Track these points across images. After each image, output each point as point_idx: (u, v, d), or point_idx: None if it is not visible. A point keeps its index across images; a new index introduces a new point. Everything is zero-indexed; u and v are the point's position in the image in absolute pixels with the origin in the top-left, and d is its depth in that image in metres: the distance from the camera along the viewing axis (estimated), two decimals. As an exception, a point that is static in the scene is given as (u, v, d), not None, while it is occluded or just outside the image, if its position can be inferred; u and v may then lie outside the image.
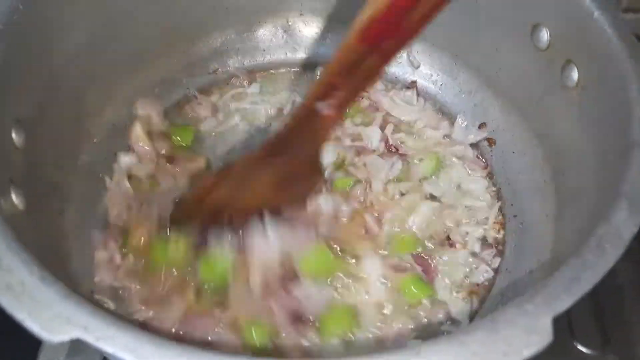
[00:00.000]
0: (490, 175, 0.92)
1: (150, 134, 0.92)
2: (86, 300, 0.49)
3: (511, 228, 0.86)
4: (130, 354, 0.45)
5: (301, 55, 1.07)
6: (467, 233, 0.85)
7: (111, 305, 0.75)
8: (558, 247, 0.76)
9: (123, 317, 0.72)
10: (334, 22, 1.06)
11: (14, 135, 0.69)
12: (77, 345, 0.87)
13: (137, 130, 0.90)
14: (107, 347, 0.46)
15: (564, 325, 0.91)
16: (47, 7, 0.76)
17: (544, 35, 0.81)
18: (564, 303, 0.49)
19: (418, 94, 1.01)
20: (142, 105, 0.93)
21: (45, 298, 0.48)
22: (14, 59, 0.70)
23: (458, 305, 0.78)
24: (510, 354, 0.46)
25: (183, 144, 0.94)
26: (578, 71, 0.76)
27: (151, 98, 0.97)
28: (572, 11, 0.76)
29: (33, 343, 0.86)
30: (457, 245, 0.83)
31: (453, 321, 0.77)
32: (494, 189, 0.91)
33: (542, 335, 0.47)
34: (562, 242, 0.76)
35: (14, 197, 0.64)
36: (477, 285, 0.81)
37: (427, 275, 0.80)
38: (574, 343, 0.89)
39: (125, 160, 0.88)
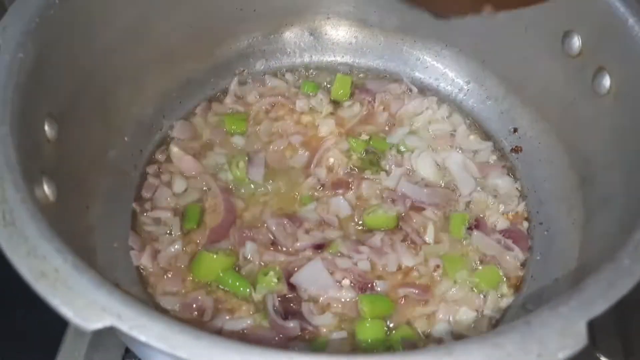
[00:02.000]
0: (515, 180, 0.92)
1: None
2: (119, 289, 0.49)
3: (537, 235, 0.86)
4: (163, 343, 0.46)
5: (327, 58, 1.08)
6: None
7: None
8: (585, 256, 0.76)
9: (154, 307, 0.73)
10: (361, 25, 1.06)
11: (46, 128, 0.70)
12: (96, 342, 0.89)
13: (174, 150, 0.92)
14: (141, 336, 0.46)
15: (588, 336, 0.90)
16: (82, 4, 0.77)
17: (576, 42, 0.81)
18: (599, 307, 0.49)
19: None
20: (177, 129, 0.96)
21: (79, 286, 0.49)
22: (48, 53, 0.71)
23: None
24: (545, 356, 0.45)
25: (239, 132, 0.96)
26: (610, 78, 0.76)
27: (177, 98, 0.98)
28: (605, 18, 0.76)
29: (52, 340, 0.87)
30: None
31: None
32: (519, 194, 0.91)
33: (576, 339, 0.47)
34: (589, 251, 0.75)
35: (45, 187, 0.65)
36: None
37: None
38: (597, 354, 0.88)
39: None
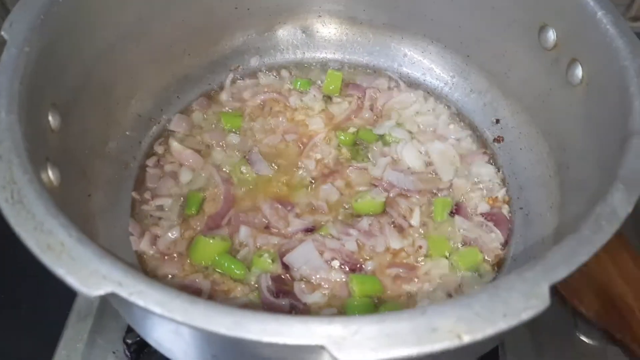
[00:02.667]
0: (497, 168, 0.97)
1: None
2: (119, 260, 0.53)
3: (517, 219, 0.90)
4: (160, 307, 0.49)
5: (319, 54, 1.12)
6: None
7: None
8: (560, 234, 0.79)
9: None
10: (351, 23, 1.10)
11: (50, 118, 0.74)
12: (98, 325, 0.92)
13: (174, 145, 0.96)
14: (139, 301, 0.50)
15: (569, 318, 0.94)
16: (84, 1, 0.80)
17: (551, 35, 0.85)
18: (562, 273, 0.52)
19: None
20: (174, 123, 1.00)
21: (83, 257, 0.52)
22: (52, 48, 0.75)
23: None
24: (510, 316, 0.49)
25: (233, 129, 1.00)
26: (582, 69, 0.80)
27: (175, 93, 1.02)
28: (577, 12, 0.79)
29: (55, 323, 0.91)
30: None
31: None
32: (500, 180, 0.95)
33: (539, 300, 0.50)
34: (563, 232, 0.79)
35: (50, 173, 0.69)
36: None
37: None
38: (578, 334, 0.92)
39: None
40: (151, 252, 0.85)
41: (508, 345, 0.88)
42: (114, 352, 0.89)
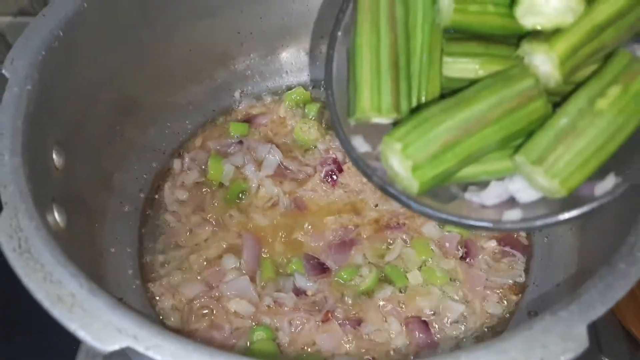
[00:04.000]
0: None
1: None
2: (133, 311, 0.51)
3: (537, 243, 0.87)
4: (178, 362, 0.47)
5: (323, 76, 1.10)
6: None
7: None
8: (584, 260, 0.78)
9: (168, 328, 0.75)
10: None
11: (54, 156, 0.72)
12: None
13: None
14: (156, 356, 0.48)
15: (592, 342, 0.91)
16: (84, 35, 0.79)
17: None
18: (598, 310, 0.50)
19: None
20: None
21: (95, 309, 0.50)
22: (53, 84, 0.73)
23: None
24: (548, 360, 0.47)
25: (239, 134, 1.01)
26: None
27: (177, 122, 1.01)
28: None
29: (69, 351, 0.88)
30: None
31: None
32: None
33: (578, 342, 0.48)
34: (587, 255, 0.77)
35: (56, 214, 0.67)
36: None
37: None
38: (602, 357, 0.90)
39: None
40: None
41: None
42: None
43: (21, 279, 0.52)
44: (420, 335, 0.79)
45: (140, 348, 0.48)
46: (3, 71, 0.69)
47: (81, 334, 0.49)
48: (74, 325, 0.49)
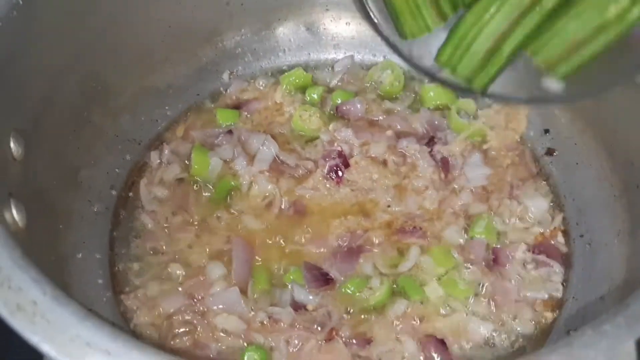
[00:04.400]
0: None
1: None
2: (105, 321, 0.52)
3: (578, 250, 0.88)
4: (157, 380, 0.48)
5: (326, 55, 1.11)
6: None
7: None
8: (633, 270, 0.78)
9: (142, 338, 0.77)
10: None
11: (12, 145, 0.73)
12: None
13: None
14: (133, 374, 0.48)
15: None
16: (44, 4, 0.80)
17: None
18: (649, 323, 0.51)
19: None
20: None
21: (61, 319, 0.51)
22: (11, 63, 0.74)
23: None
24: (589, 382, 0.48)
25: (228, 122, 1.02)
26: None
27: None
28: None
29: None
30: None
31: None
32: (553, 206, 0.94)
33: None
34: (638, 262, 0.78)
35: (14, 212, 0.68)
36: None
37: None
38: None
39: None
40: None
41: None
42: None
43: (-26, 285, 0.53)
44: (439, 358, 0.80)
45: (113, 365, 0.48)
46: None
47: (45, 347, 0.50)
48: (37, 337, 0.50)
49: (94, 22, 0.88)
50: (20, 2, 0.75)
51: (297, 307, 0.83)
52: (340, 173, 0.95)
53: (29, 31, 0.77)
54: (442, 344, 0.80)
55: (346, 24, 1.11)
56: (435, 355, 0.80)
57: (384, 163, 0.97)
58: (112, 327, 0.51)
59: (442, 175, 0.95)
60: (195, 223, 0.92)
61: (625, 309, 0.52)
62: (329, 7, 1.09)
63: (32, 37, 0.78)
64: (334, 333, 0.80)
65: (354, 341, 0.80)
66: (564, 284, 0.86)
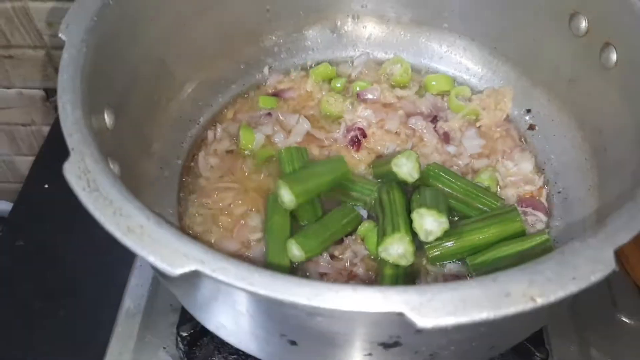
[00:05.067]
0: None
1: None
2: (198, 240, 0.55)
3: (557, 203, 0.92)
4: (243, 282, 0.51)
5: (348, 53, 1.15)
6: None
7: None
8: (602, 215, 0.82)
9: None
10: (379, 21, 1.13)
11: (106, 116, 0.77)
12: (147, 325, 0.94)
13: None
14: (222, 277, 0.52)
15: (607, 299, 0.96)
16: (130, 4, 0.84)
17: (582, 22, 0.88)
18: (624, 237, 0.55)
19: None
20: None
21: (163, 238, 0.55)
22: (104, 49, 0.77)
23: None
24: (579, 279, 0.51)
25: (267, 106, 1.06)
26: (617, 52, 0.82)
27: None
28: (609, -3, 0.82)
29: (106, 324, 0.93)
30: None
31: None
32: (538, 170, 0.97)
33: (606, 265, 0.52)
34: (606, 210, 0.81)
35: (112, 167, 0.71)
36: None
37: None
38: (618, 315, 0.94)
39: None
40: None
41: (552, 328, 0.90)
42: (164, 348, 0.91)
43: (93, 214, 0.57)
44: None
45: (207, 270, 0.52)
46: (60, 34, 0.74)
47: (151, 258, 0.53)
48: (145, 251, 0.54)
49: (165, 19, 0.92)
50: (111, 2, 0.79)
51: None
52: (359, 140, 0.99)
53: (117, 26, 0.81)
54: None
55: (363, 27, 1.14)
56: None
57: (397, 134, 1.01)
58: (204, 244, 0.55)
59: (444, 145, 0.99)
60: (239, 184, 0.96)
61: (604, 227, 0.56)
62: (350, 14, 1.13)
63: (119, 31, 0.82)
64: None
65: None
66: (547, 230, 0.90)
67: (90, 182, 0.59)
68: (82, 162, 0.61)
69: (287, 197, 0.85)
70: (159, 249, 0.54)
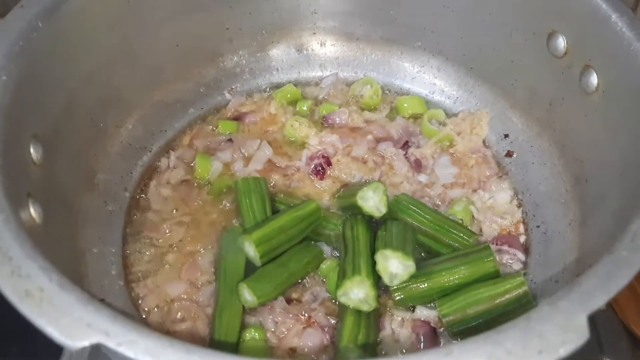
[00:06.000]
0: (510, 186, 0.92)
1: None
2: (105, 306, 0.48)
3: (535, 238, 0.85)
4: (152, 359, 0.44)
5: (314, 73, 1.08)
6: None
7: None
8: (584, 253, 0.75)
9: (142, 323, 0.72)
10: (347, 39, 1.06)
11: (32, 150, 0.69)
12: (96, 354, 0.86)
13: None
14: (129, 352, 0.44)
15: (592, 339, 0.88)
16: (65, 26, 0.76)
17: (561, 42, 0.81)
18: (599, 300, 0.47)
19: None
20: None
21: (65, 304, 0.47)
22: (31, 76, 0.71)
23: None
24: (546, 352, 0.44)
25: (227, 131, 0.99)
26: (597, 75, 0.76)
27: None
28: (588, 16, 0.76)
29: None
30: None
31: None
32: (516, 201, 0.90)
33: (578, 333, 0.45)
34: (588, 247, 0.74)
35: (32, 210, 0.64)
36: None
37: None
38: (603, 357, 0.86)
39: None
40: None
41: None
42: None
43: (-13, 273, 0.49)
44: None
45: (111, 344, 0.45)
46: (-23, 62, 0.66)
47: (49, 330, 0.46)
48: (42, 321, 0.46)
49: (108, 41, 0.85)
50: (40, 25, 0.72)
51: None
52: (323, 170, 0.92)
53: (48, 50, 0.74)
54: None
55: (331, 45, 1.07)
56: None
57: (364, 162, 0.93)
58: (112, 311, 0.47)
59: (415, 173, 0.92)
60: (193, 217, 0.88)
61: (578, 286, 0.49)
62: (316, 32, 1.06)
63: (51, 55, 0.75)
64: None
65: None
66: (524, 269, 0.82)
67: (-11, 235, 0.52)
68: (-17, 211, 0.53)
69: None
70: (59, 318, 0.47)
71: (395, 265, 0.74)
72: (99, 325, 0.46)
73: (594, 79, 0.76)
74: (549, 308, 0.47)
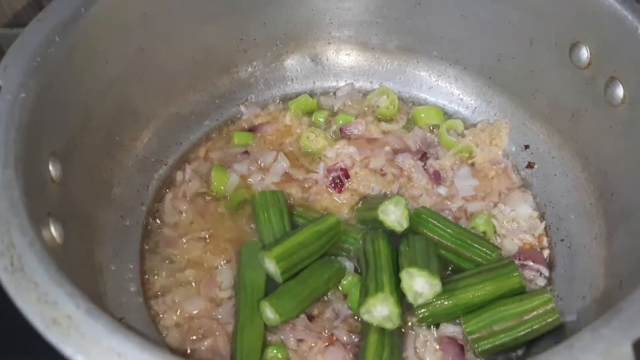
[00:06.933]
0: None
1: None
2: (135, 333, 0.47)
3: (559, 253, 0.83)
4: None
5: (330, 83, 1.07)
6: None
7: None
8: (612, 269, 0.73)
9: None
10: (363, 48, 1.05)
11: (51, 168, 0.68)
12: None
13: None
14: (162, 384, 0.43)
15: None
16: (81, 40, 0.75)
17: (584, 53, 0.80)
18: (644, 326, 0.46)
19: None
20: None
21: (94, 332, 0.46)
22: (49, 91, 0.70)
23: None
24: (591, 383, 0.43)
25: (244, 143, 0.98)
26: (623, 87, 0.75)
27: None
28: (613, 27, 0.75)
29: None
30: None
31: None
32: (538, 213, 0.89)
33: (622, 362, 0.44)
34: (616, 264, 0.73)
35: (52, 230, 0.63)
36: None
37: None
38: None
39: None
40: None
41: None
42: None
43: (13, 299, 0.48)
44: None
45: (143, 375, 0.44)
46: (-4, 79, 0.65)
47: (78, 359, 0.45)
48: (70, 350, 0.45)
49: (123, 54, 0.84)
50: (57, 39, 0.71)
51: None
52: (342, 182, 0.90)
53: (65, 64, 0.73)
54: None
55: (346, 55, 1.06)
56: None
57: (383, 174, 0.92)
58: (141, 338, 0.46)
59: (434, 186, 0.91)
60: (210, 231, 0.87)
61: (620, 313, 0.47)
62: (331, 41, 1.05)
63: (68, 70, 0.74)
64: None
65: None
66: (549, 285, 0.81)
67: (14, 260, 0.51)
68: (7, 235, 0.53)
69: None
70: (88, 347, 0.46)
71: (420, 284, 0.73)
72: (129, 354, 0.45)
73: (619, 91, 0.75)
74: (590, 335, 0.45)
